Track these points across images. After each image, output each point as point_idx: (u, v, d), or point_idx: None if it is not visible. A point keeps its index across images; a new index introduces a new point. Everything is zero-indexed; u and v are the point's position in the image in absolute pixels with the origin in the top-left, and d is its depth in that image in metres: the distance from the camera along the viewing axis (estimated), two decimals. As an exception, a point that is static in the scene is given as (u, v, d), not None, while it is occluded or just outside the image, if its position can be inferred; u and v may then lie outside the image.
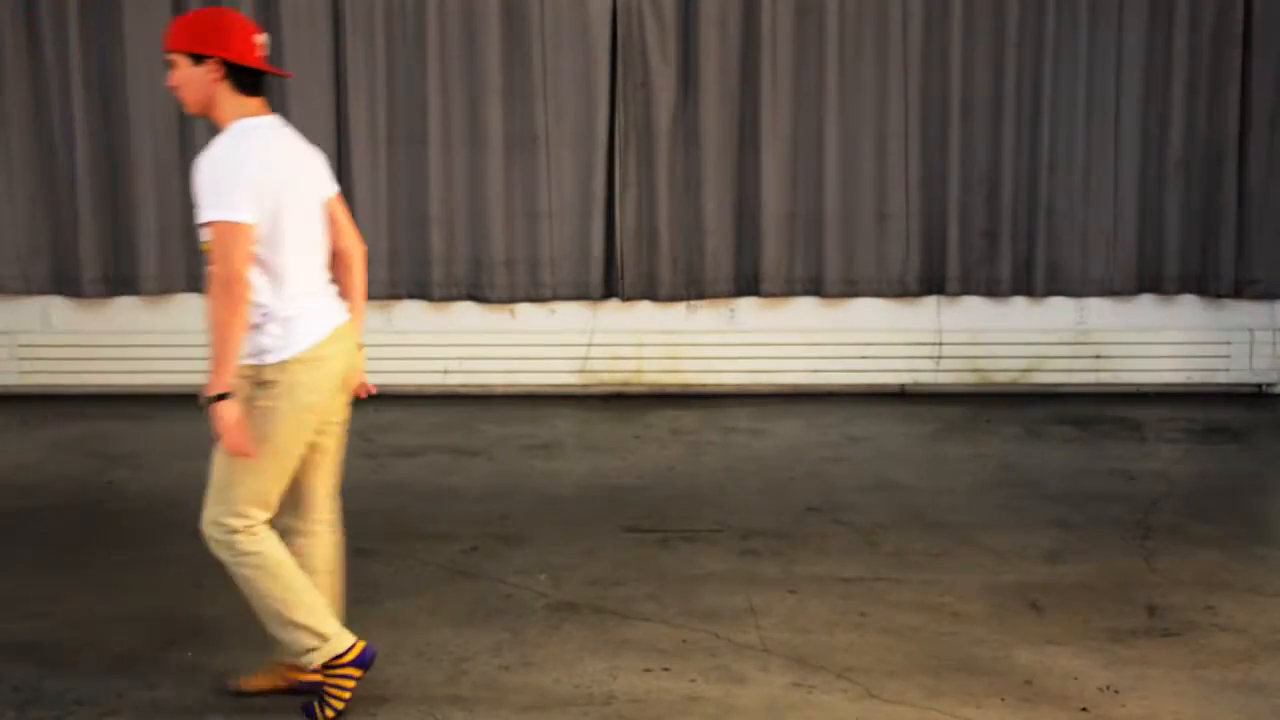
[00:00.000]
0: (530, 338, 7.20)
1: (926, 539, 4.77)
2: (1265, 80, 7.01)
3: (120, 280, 7.09)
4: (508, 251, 7.06)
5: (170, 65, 3.19)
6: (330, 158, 6.96)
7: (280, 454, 3.21)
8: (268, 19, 6.93)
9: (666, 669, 3.61)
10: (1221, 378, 7.26)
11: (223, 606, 4.06)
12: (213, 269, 3.06)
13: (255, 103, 3.21)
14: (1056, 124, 7.05)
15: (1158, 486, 5.48)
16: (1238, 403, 7.12)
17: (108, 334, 7.17)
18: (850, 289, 7.17)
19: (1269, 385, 7.29)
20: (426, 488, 5.49)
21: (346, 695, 3.31)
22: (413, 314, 7.21)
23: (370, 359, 7.39)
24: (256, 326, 3.14)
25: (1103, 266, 7.13)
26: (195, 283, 7.10)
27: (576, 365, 7.22)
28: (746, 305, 7.23)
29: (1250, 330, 7.22)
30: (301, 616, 3.24)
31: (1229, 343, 7.23)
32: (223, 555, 3.25)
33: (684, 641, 3.80)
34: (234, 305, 3.05)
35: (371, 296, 7.06)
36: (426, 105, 6.96)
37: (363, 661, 3.32)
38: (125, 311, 7.18)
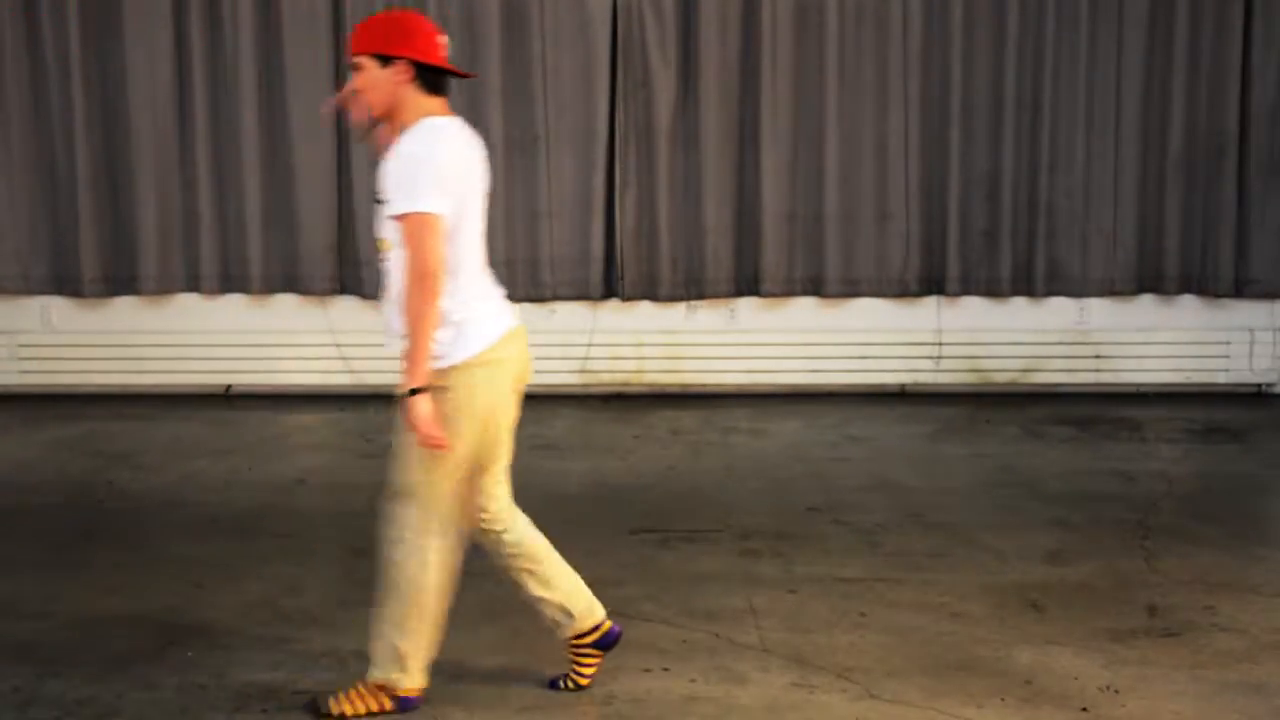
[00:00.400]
0: (530, 337, 7.13)
1: (926, 539, 4.77)
2: (1265, 80, 7.01)
3: (120, 280, 7.09)
4: (508, 251, 7.06)
5: (355, 69, 3.20)
6: (330, 158, 7.08)
7: (460, 458, 3.21)
8: (268, 19, 6.95)
9: (666, 669, 3.60)
10: (1221, 378, 7.26)
11: (223, 606, 4.07)
12: (408, 262, 3.06)
13: (438, 102, 3.23)
14: (1056, 124, 7.05)
15: (1158, 486, 5.48)
16: (1238, 403, 7.12)
17: (108, 334, 7.17)
18: (850, 289, 7.17)
19: (1269, 385, 7.29)
20: (426, 488, 5.48)
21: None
22: (413, 314, 7.20)
23: (370, 359, 7.46)
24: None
25: (1103, 266, 7.13)
26: (195, 283, 7.11)
27: (576, 365, 7.22)
28: (746, 305, 7.24)
29: (1250, 330, 7.22)
30: (408, 641, 3.28)
31: (1229, 343, 7.23)
32: (390, 541, 3.26)
33: (684, 641, 3.80)
34: (430, 298, 3.06)
35: (371, 296, 7.13)
36: (426, 105, 6.95)
37: (409, 704, 3.34)
38: (125, 311, 7.18)
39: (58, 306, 7.18)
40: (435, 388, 3.14)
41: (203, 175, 7.02)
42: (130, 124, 6.94)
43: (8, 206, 7.01)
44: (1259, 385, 7.30)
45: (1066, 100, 7.04)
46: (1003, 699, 3.41)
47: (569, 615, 3.41)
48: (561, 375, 7.21)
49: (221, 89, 6.98)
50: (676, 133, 7.03)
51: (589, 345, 7.20)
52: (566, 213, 7.06)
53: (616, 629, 3.45)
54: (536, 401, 7.10)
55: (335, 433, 6.58)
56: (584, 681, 3.45)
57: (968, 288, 7.17)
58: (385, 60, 3.16)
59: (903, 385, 7.27)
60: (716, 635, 3.83)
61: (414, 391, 3.10)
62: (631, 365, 7.22)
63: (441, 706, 3.37)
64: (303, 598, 4.16)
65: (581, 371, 7.22)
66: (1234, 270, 7.13)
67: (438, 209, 3.06)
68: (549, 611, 3.42)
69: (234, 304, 7.19)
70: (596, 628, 3.44)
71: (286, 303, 7.19)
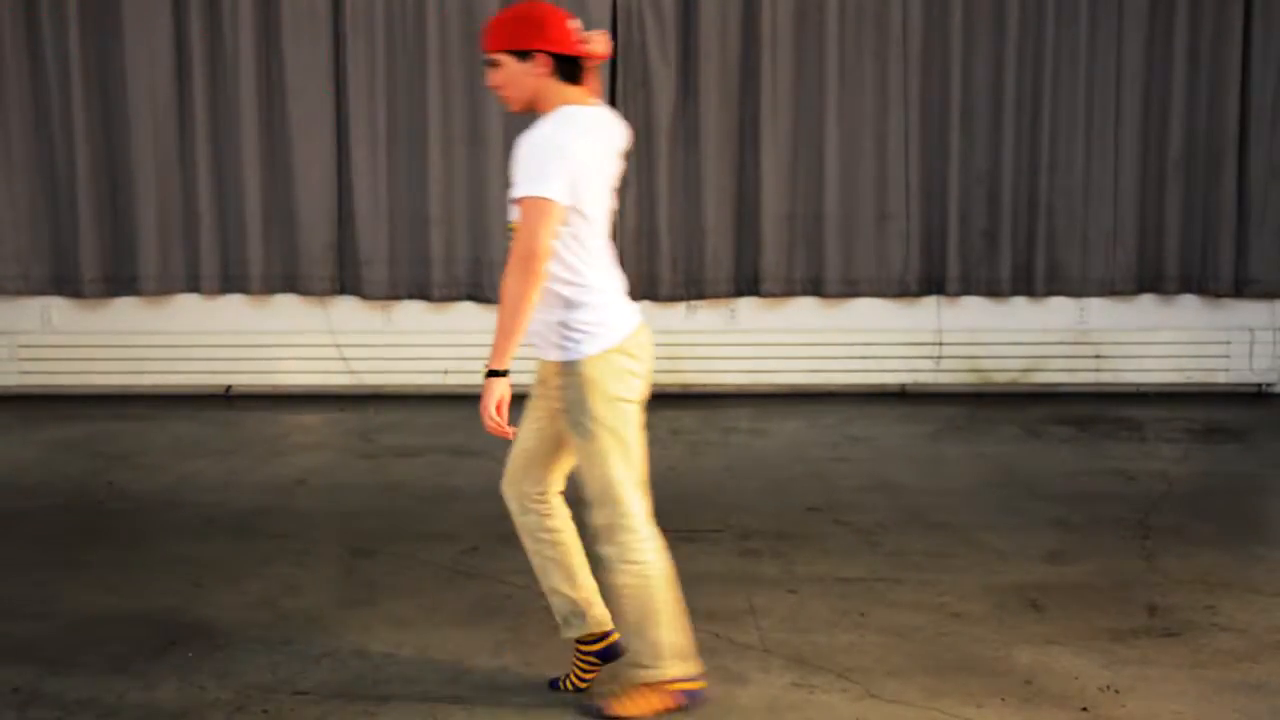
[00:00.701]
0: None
1: (926, 539, 4.77)
2: (1265, 81, 7.01)
3: (120, 280, 7.09)
4: (507, 251, 7.05)
5: (492, 66, 3.18)
6: (330, 158, 7.08)
7: (620, 446, 3.18)
8: (267, 19, 6.95)
9: (666, 669, 3.60)
10: (1221, 378, 7.27)
11: (223, 606, 4.07)
12: (514, 244, 3.05)
13: (579, 91, 3.20)
14: (1056, 124, 7.05)
15: (1158, 486, 5.48)
16: (1238, 403, 7.12)
17: (108, 334, 7.18)
18: (850, 289, 7.17)
19: (1269, 385, 7.29)
20: (426, 488, 5.49)
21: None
22: (413, 314, 7.21)
23: (370, 359, 7.47)
24: (567, 320, 3.14)
25: (1103, 266, 7.13)
26: (195, 283, 7.12)
27: (576, 365, 7.21)
28: (746, 305, 7.24)
29: (1250, 330, 7.23)
30: (665, 633, 3.26)
31: (1229, 343, 7.23)
32: (608, 551, 3.24)
33: (684, 641, 3.80)
34: (531, 281, 3.04)
35: (371, 296, 7.13)
36: (426, 105, 6.97)
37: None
38: (125, 311, 7.19)
39: (58, 306, 7.19)
40: (574, 376, 3.12)
41: (203, 175, 7.02)
42: (130, 124, 6.95)
43: (8, 207, 7.01)
44: (1259, 385, 7.30)
45: (1066, 100, 7.04)
46: (1003, 699, 3.41)
47: (581, 617, 3.40)
48: (561, 375, 7.20)
49: (221, 89, 6.99)
50: (676, 133, 7.03)
51: (589, 345, 7.19)
52: (566, 213, 7.05)
53: (621, 644, 3.43)
54: (536, 401, 7.12)
55: (335, 433, 6.58)
56: (583, 685, 3.45)
57: (968, 288, 7.17)
58: (522, 55, 3.14)
59: (903, 385, 7.27)
60: (716, 635, 3.83)
61: (495, 373, 3.07)
62: (631, 365, 7.21)
63: (442, 706, 3.37)
64: (303, 598, 4.16)
65: (581, 371, 7.21)
66: (1234, 270, 7.13)
67: (554, 195, 3.03)
68: (563, 607, 3.40)
69: (234, 304, 7.20)
70: (604, 637, 3.42)
71: (286, 303, 7.19)
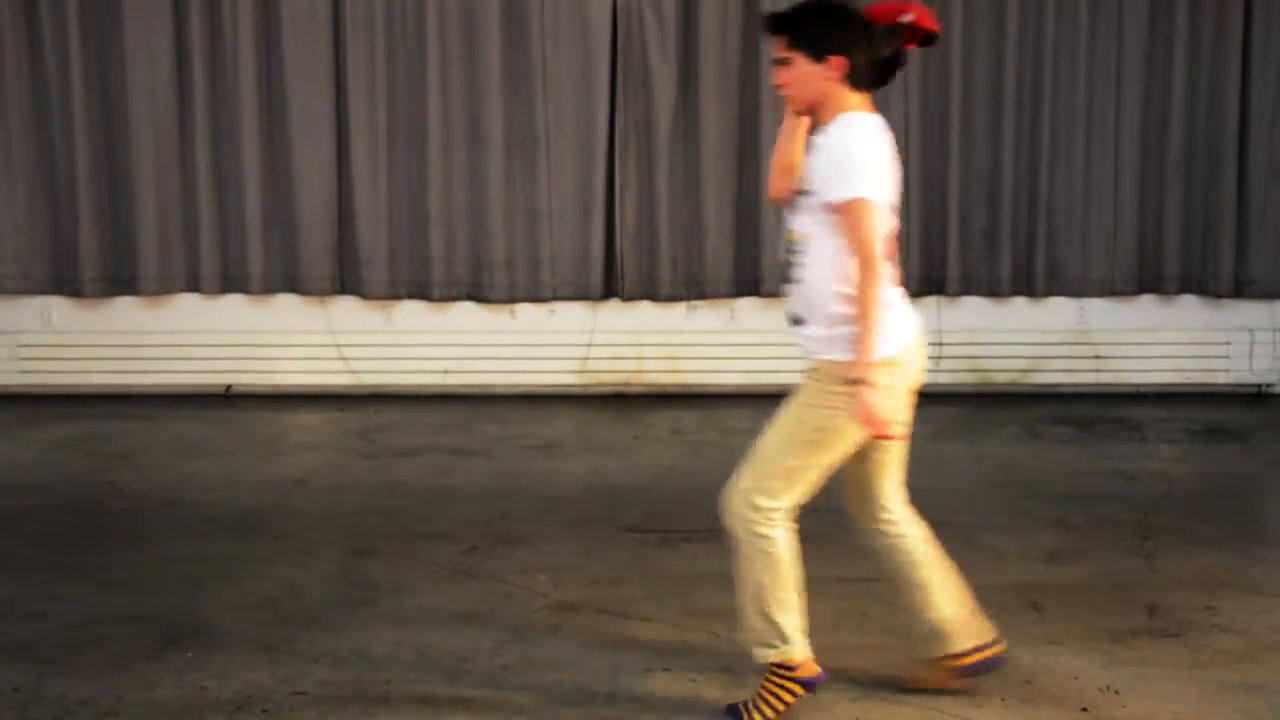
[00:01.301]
0: (530, 338, 7.20)
1: (926, 539, 4.76)
2: (1265, 81, 7.01)
3: (120, 280, 7.09)
4: (508, 251, 7.07)
5: (781, 64, 3.16)
6: (330, 158, 7.08)
7: (834, 451, 3.18)
8: (267, 19, 6.95)
9: (666, 669, 3.60)
10: (1221, 378, 7.26)
11: (223, 606, 4.07)
12: (853, 251, 3.02)
13: (863, 99, 3.20)
14: (1056, 124, 7.05)
15: (1158, 486, 5.47)
16: (1238, 403, 7.12)
17: (108, 334, 7.18)
18: (850, 289, 7.16)
19: (1269, 385, 7.29)
20: (426, 488, 5.49)
21: (781, 708, 3.27)
22: (413, 314, 7.21)
23: (370, 359, 7.47)
24: (847, 325, 3.11)
25: (1103, 266, 7.13)
26: (195, 282, 7.12)
27: (576, 365, 7.22)
28: (746, 305, 7.24)
29: (1250, 330, 7.22)
30: (777, 614, 3.23)
31: (1229, 343, 7.23)
32: (736, 528, 3.23)
33: (684, 641, 3.79)
34: (876, 283, 3.03)
35: (371, 296, 7.13)
36: (426, 105, 6.97)
37: (809, 684, 3.30)
38: (125, 311, 7.19)
39: (58, 306, 7.19)
40: (844, 379, 3.10)
41: (203, 175, 7.02)
42: (130, 124, 6.95)
43: (8, 207, 7.02)
44: (1259, 385, 7.30)
45: (1066, 100, 7.04)
46: (1003, 699, 3.41)
47: (939, 635, 3.36)
48: (561, 375, 7.22)
49: (221, 88, 6.99)
50: (676, 133, 7.03)
51: (589, 345, 7.20)
52: (566, 213, 7.06)
53: (989, 666, 3.40)
54: (536, 401, 7.13)
55: (335, 433, 6.58)
56: (958, 668, 3.39)
57: (968, 288, 7.17)
58: (818, 56, 3.12)
59: (903, 385, 7.26)
60: (716, 635, 3.83)
61: (861, 381, 3.04)
62: (631, 365, 7.22)
63: (441, 706, 3.37)
64: (303, 598, 4.16)
65: (581, 371, 7.22)
66: (1234, 270, 7.13)
67: (876, 197, 3.03)
68: (923, 624, 3.38)
69: (234, 304, 7.20)
70: (978, 649, 3.37)
71: (286, 303, 7.19)
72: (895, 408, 3.17)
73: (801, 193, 3.16)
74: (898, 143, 7.52)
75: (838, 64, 3.11)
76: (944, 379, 7.22)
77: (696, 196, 7.06)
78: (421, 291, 7.13)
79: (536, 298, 7.13)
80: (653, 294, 7.14)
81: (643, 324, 7.21)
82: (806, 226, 3.14)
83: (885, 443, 3.28)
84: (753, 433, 6.52)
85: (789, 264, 3.22)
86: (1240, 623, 3.93)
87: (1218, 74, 7.02)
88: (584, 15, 6.94)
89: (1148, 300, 7.26)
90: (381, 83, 6.98)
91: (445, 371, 7.21)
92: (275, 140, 7.03)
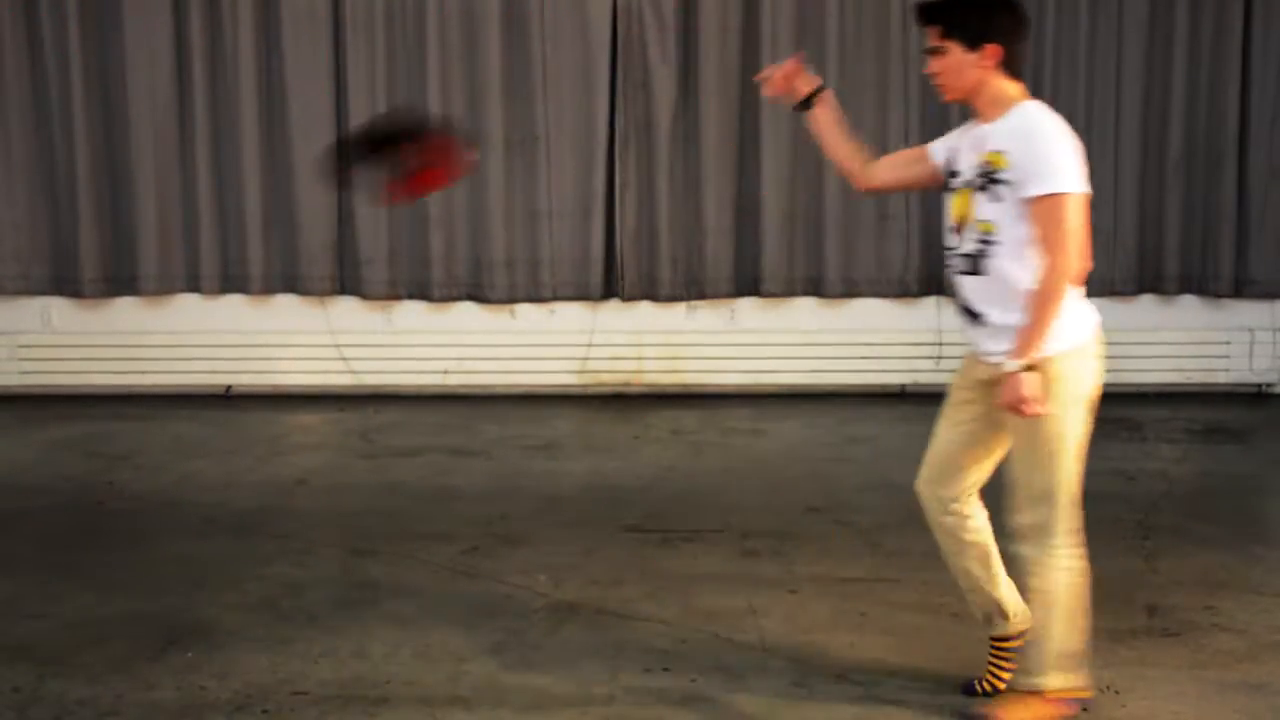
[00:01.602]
0: (530, 338, 7.20)
1: (927, 539, 4.72)
2: (1265, 81, 7.01)
3: (120, 280, 7.09)
4: (508, 251, 7.07)
5: (934, 53, 3.13)
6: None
7: (1069, 448, 3.14)
8: (267, 19, 6.95)
9: (666, 669, 3.60)
10: (1221, 378, 7.26)
11: (223, 606, 4.07)
12: (1055, 242, 2.98)
13: (1020, 86, 3.14)
14: (1056, 124, 7.04)
15: (1158, 486, 5.47)
16: (1238, 403, 7.12)
17: (108, 334, 7.18)
18: (850, 289, 7.17)
19: (1269, 385, 7.29)
20: (426, 488, 5.49)
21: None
22: (413, 314, 7.21)
23: (370, 359, 7.46)
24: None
25: (1103, 266, 7.11)
26: (195, 283, 7.12)
27: (576, 365, 7.22)
28: (746, 305, 7.24)
29: (1250, 330, 7.22)
30: (1076, 641, 3.20)
31: (1229, 343, 7.23)
32: (1031, 552, 3.19)
33: (684, 641, 3.79)
34: (1068, 277, 3.01)
35: (371, 296, 7.13)
36: (426, 105, 6.96)
37: (1084, 704, 3.28)
38: (125, 311, 7.19)
39: (58, 306, 7.19)
40: (1047, 373, 3.06)
41: (203, 175, 7.02)
42: (130, 124, 6.95)
43: (8, 207, 7.02)
44: (1259, 385, 7.30)
45: (1066, 100, 7.03)
46: (1003, 699, 3.40)
47: (1003, 615, 3.36)
48: (561, 375, 7.22)
49: (221, 88, 6.99)
50: (676, 133, 7.03)
51: (589, 345, 7.20)
52: (566, 213, 7.06)
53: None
54: (536, 401, 7.13)
55: (335, 433, 6.58)
56: (1000, 685, 3.37)
57: (968, 288, 7.16)
58: (973, 45, 3.07)
59: (903, 385, 7.27)
60: (716, 635, 3.83)
61: (1028, 368, 3.02)
62: (631, 365, 7.22)
63: (441, 706, 3.37)
64: (303, 598, 4.16)
65: (581, 371, 7.22)
66: (1234, 270, 7.13)
67: (1080, 190, 3.00)
68: (986, 605, 3.38)
69: (234, 304, 7.20)
70: (1022, 634, 3.35)
71: (286, 303, 7.19)
72: (1068, 401, 3.10)
73: (964, 181, 3.11)
74: (898, 142, 7.57)
75: (993, 52, 3.07)
76: (944, 379, 7.18)
77: (696, 196, 7.06)
78: (421, 291, 7.13)
79: (536, 298, 7.13)
80: (653, 294, 7.14)
81: (643, 324, 7.21)
82: (994, 216, 3.07)
83: (1004, 437, 3.25)
84: (753, 432, 6.52)
85: (971, 254, 3.15)
86: (1240, 623, 3.93)
87: (1218, 73, 7.03)
88: (584, 15, 6.94)
89: (1148, 300, 7.26)
90: (381, 83, 6.98)
91: (445, 371, 7.21)
92: (275, 140, 7.03)
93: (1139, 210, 7.13)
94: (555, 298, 7.14)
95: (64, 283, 7.10)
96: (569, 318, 7.20)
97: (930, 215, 7.12)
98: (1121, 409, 6.89)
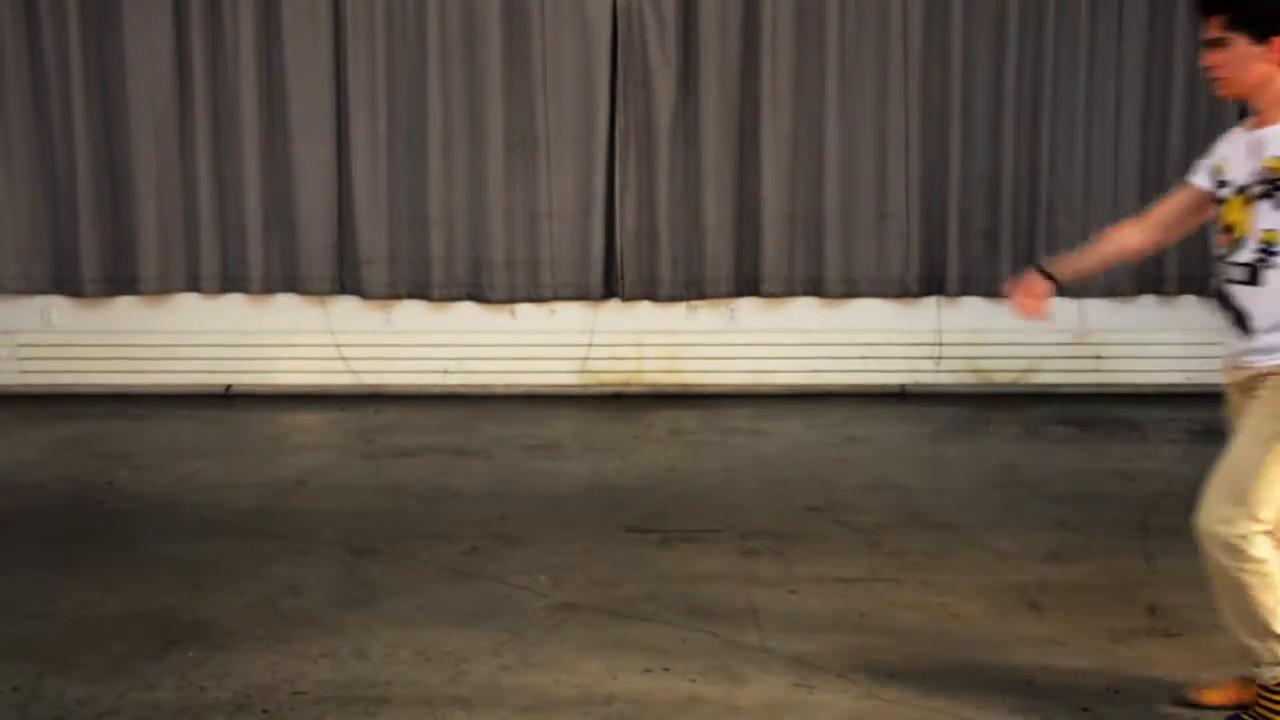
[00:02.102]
0: (530, 338, 7.20)
1: (926, 539, 4.77)
2: (1265, 80, 7.00)
3: (120, 280, 7.10)
4: (508, 252, 7.07)
5: (1214, 45, 3.00)
6: (330, 158, 7.08)
7: None
8: (268, 19, 6.95)
9: (666, 669, 3.60)
10: (1221, 378, 7.24)
11: (223, 606, 4.07)
12: None
13: None
14: (1056, 124, 7.05)
15: (1158, 486, 5.47)
16: (1238, 403, 7.11)
17: (108, 334, 7.18)
18: (850, 289, 7.17)
19: (1269, 385, 7.27)
20: (426, 488, 5.49)
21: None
22: (413, 314, 7.21)
23: (370, 359, 7.46)
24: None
25: (1103, 267, 7.12)
26: (195, 282, 7.12)
27: (576, 365, 7.22)
28: (746, 305, 7.24)
29: (1250, 330, 7.21)
30: None
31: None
32: (1221, 556, 3.08)
33: (684, 641, 3.79)
34: None
35: (371, 296, 7.14)
36: (426, 105, 6.97)
37: None
38: (125, 311, 7.19)
39: (58, 306, 7.19)
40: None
41: (203, 175, 7.02)
42: (130, 124, 6.95)
43: (8, 206, 7.02)
44: (1259, 385, 7.28)
45: (1066, 100, 7.04)
46: (1003, 699, 3.41)
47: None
48: (561, 375, 7.22)
49: (221, 88, 6.99)
50: (676, 133, 7.03)
51: (589, 345, 7.20)
52: (566, 213, 7.06)
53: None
54: (536, 401, 7.13)
55: (335, 433, 6.58)
56: None
57: (968, 288, 7.17)
58: (1261, 37, 2.93)
59: (903, 385, 7.27)
60: (716, 635, 3.83)
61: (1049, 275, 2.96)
62: (631, 365, 7.22)
63: (441, 706, 3.37)
64: (303, 598, 4.15)
65: (581, 371, 7.22)
66: (1234, 270, 7.12)
67: None
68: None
69: (234, 304, 7.20)
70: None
71: (286, 303, 7.20)
72: None
73: (1261, 188, 2.98)
74: (897, 142, 7.57)
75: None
76: (944, 379, 7.23)
77: (696, 196, 7.06)
78: (421, 291, 7.13)
79: (536, 298, 7.13)
80: (653, 294, 7.14)
81: (643, 324, 7.21)
82: (1278, 224, 2.95)
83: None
84: (753, 432, 6.52)
85: (1250, 263, 3.03)
86: (1240, 623, 3.92)
87: (1218, 74, 7.02)
88: (584, 15, 6.94)
89: (1148, 300, 7.26)
90: (381, 83, 6.98)
91: (445, 371, 7.21)
92: (275, 140, 7.03)
93: (1139, 210, 7.07)
94: (555, 298, 7.14)
95: (64, 282, 7.10)
96: (569, 318, 7.20)
97: (930, 215, 7.12)
98: (1121, 409, 6.90)
